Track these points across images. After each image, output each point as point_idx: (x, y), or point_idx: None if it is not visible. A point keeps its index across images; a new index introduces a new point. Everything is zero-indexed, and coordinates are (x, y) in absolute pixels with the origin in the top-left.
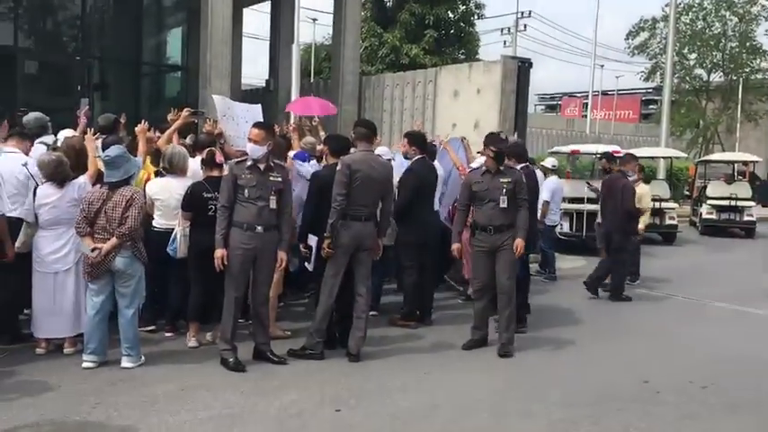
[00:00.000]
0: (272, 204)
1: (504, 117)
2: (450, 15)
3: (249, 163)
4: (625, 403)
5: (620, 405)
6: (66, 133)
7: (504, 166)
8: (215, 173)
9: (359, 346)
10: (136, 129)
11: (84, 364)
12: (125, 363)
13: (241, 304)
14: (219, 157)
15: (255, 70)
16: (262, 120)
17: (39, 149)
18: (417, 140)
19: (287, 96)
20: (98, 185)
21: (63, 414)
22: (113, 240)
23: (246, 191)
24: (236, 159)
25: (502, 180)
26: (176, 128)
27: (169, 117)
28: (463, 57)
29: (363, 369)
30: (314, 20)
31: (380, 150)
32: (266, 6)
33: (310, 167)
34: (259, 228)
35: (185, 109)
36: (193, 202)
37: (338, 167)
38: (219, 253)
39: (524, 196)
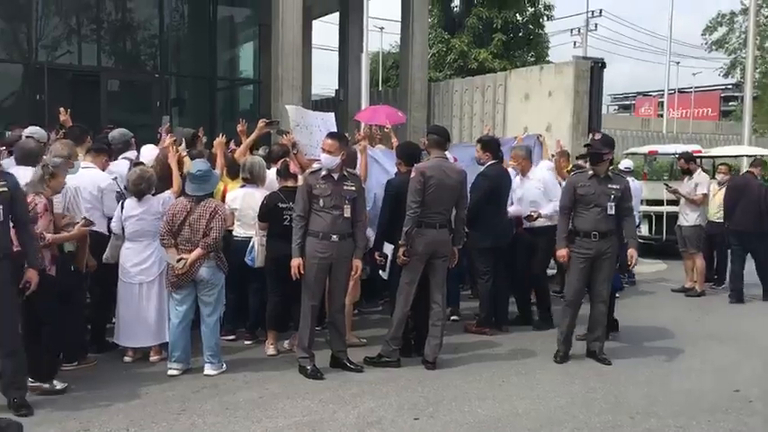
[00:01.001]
0: (347, 213)
1: (578, 119)
2: (519, 18)
3: (323, 173)
4: (715, 413)
5: (710, 415)
6: (148, 149)
7: (611, 171)
8: (290, 183)
9: (435, 354)
10: (214, 142)
11: (170, 372)
12: (208, 370)
13: (317, 312)
14: (294, 168)
15: (325, 80)
16: (335, 128)
17: (122, 165)
18: (489, 146)
19: (356, 106)
20: (181, 198)
21: (151, 420)
22: (198, 251)
23: (321, 200)
24: (311, 169)
25: (610, 186)
26: (253, 139)
27: (238, 128)
28: (533, 59)
29: (440, 377)
30: (381, 29)
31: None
32: (335, 18)
33: None
34: (334, 236)
35: (261, 120)
36: (269, 213)
37: (412, 175)
38: (296, 262)
39: (630, 204)
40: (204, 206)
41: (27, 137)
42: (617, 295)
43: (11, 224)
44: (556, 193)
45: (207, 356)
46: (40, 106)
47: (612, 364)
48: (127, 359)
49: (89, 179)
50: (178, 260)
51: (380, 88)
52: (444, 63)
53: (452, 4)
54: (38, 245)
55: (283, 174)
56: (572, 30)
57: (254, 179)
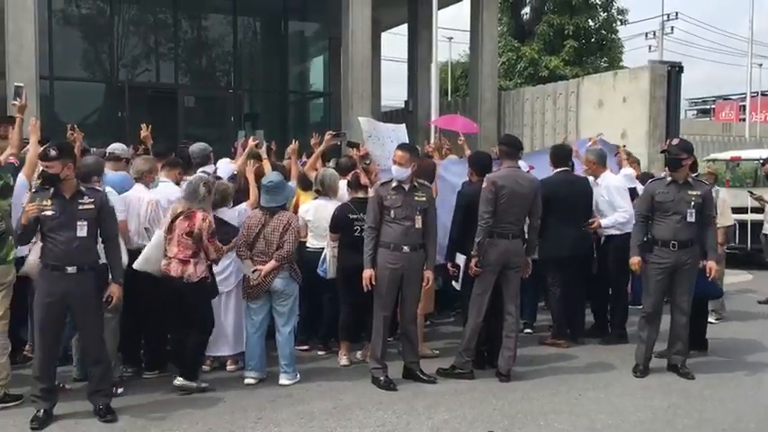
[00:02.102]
0: (418, 224)
1: (655, 125)
2: (591, 24)
3: (394, 184)
4: None
5: None
6: (224, 162)
7: (691, 177)
8: (360, 194)
9: (509, 366)
10: (288, 149)
11: (246, 381)
12: (283, 380)
13: (390, 323)
14: (364, 179)
15: (394, 92)
16: (407, 140)
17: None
18: (555, 154)
19: (426, 116)
20: (256, 210)
21: (229, 428)
22: (272, 263)
23: (392, 211)
24: (382, 181)
25: (690, 192)
26: (321, 151)
27: (312, 142)
28: (606, 65)
29: (514, 389)
30: (450, 38)
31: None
32: (404, 29)
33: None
34: (405, 247)
35: (327, 132)
36: (339, 224)
37: (484, 185)
38: (368, 273)
39: (712, 212)
40: (278, 219)
41: (109, 152)
42: (713, 310)
43: (98, 239)
44: (621, 204)
45: (282, 366)
46: (121, 123)
47: (695, 378)
48: (205, 368)
49: (162, 193)
50: (253, 271)
51: (450, 98)
52: (514, 71)
53: (522, 12)
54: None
55: (354, 185)
56: (647, 33)
57: (326, 191)
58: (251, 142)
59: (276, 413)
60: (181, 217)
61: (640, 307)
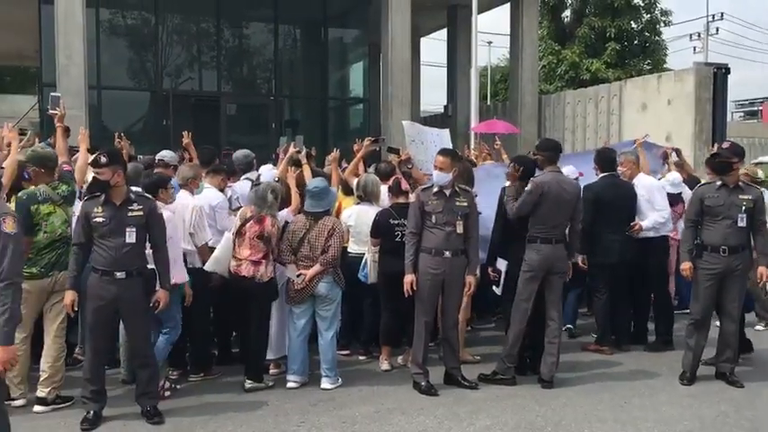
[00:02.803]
0: (459, 229)
1: (700, 128)
2: (634, 26)
3: (435, 189)
4: None
5: None
6: (266, 168)
7: (742, 181)
8: (401, 199)
9: (552, 372)
10: (328, 157)
11: (289, 384)
12: (324, 384)
13: (431, 328)
14: (405, 185)
15: (434, 97)
16: (450, 144)
17: (244, 185)
18: (601, 158)
19: (465, 121)
20: (300, 215)
21: (272, 431)
22: (317, 267)
23: (434, 217)
24: (423, 186)
25: (741, 197)
26: (361, 157)
27: (354, 148)
28: (649, 67)
29: (557, 396)
30: (489, 43)
31: (566, 171)
32: (443, 34)
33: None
34: (447, 253)
35: (366, 138)
36: (381, 229)
37: (528, 188)
38: (409, 278)
39: (764, 217)
40: (323, 224)
41: (158, 159)
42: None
43: (147, 245)
44: (661, 203)
45: (324, 370)
46: (166, 131)
47: (745, 387)
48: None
49: (205, 198)
50: (297, 275)
51: (489, 103)
52: (555, 75)
53: (563, 15)
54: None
55: (395, 190)
56: (691, 35)
57: (368, 196)
58: (291, 149)
59: (318, 417)
60: (251, 221)
61: (684, 311)
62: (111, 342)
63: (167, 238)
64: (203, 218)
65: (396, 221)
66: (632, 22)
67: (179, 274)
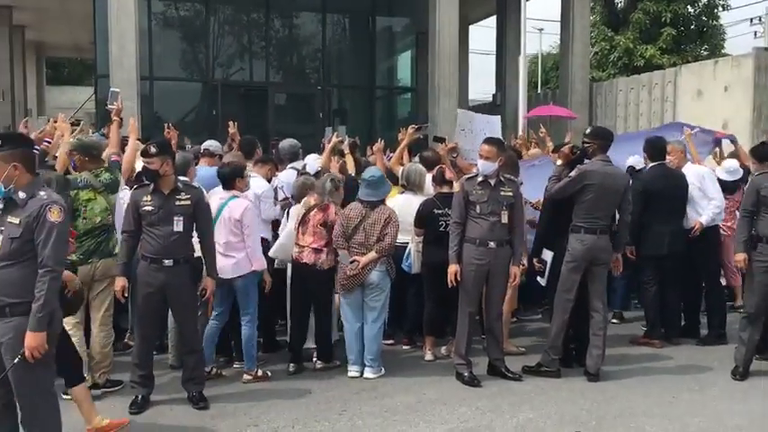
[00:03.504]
0: (504, 219)
1: (759, 114)
2: (690, 10)
3: (480, 179)
4: None
5: None
6: (311, 158)
7: None
8: (445, 189)
9: (597, 365)
10: (373, 148)
11: (350, 374)
12: (368, 373)
13: (475, 319)
14: (449, 174)
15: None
16: (500, 132)
17: (290, 174)
18: (651, 147)
19: (514, 109)
20: (356, 203)
21: (313, 419)
22: (372, 254)
23: (478, 206)
24: (467, 175)
25: None
26: (405, 146)
27: (399, 137)
28: (706, 53)
29: (603, 390)
30: (540, 30)
31: (632, 161)
32: (493, 21)
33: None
34: (491, 243)
35: (410, 126)
36: (424, 219)
37: (571, 174)
38: (453, 269)
39: None
40: (379, 212)
41: (204, 149)
42: None
43: (194, 234)
44: (714, 193)
45: (368, 360)
46: (215, 120)
47: None
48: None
49: (251, 188)
50: (351, 262)
51: (539, 91)
52: (608, 62)
53: (616, 0)
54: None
55: (439, 180)
56: (751, 19)
57: (411, 186)
58: (334, 139)
59: (360, 406)
60: (315, 209)
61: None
62: (159, 329)
63: (246, 226)
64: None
65: (440, 211)
66: (689, 6)
67: (258, 262)
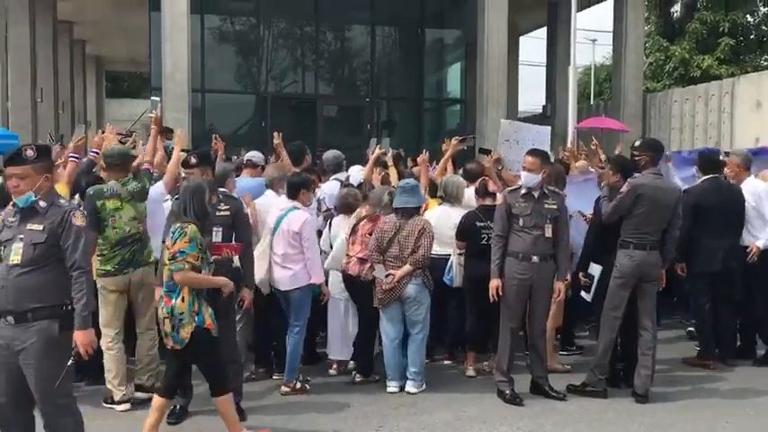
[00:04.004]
0: (548, 233)
1: None
2: (750, 19)
3: (523, 191)
4: None
5: None
6: (355, 169)
7: None
8: (488, 201)
9: (646, 386)
10: (417, 159)
11: (389, 389)
12: (410, 387)
13: (517, 335)
14: (492, 186)
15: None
16: (548, 144)
17: (333, 185)
18: (703, 160)
19: (564, 121)
20: (391, 215)
21: None
22: (407, 267)
23: (521, 219)
24: (510, 188)
25: None
26: (448, 157)
27: (443, 148)
28: (766, 63)
29: (653, 412)
30: (593, 41)
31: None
32: (543, 32)
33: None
34: (535, 257)
35: (454, 138)
36: (467, 232)
37: (622, 189)
38: (494, 283)
39: None
40: (413, 224)
41: (247, 160)
42: None
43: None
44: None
45: (410, 374)
46: (264, 132)
47: None
48: (332, 372)
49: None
50: (386, 275)
51: (592, 102)
52: (663, 72)
53: (672, 10)
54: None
55: (481, 192)
56: None
57: (448, 197)
58: (377, 150)
59: (398, 421)
60: (365, 220)
61: None
62: None
63: (305, 239)
64: None
65: (482, 224)
66: (748, 15)
67: (317, 275)
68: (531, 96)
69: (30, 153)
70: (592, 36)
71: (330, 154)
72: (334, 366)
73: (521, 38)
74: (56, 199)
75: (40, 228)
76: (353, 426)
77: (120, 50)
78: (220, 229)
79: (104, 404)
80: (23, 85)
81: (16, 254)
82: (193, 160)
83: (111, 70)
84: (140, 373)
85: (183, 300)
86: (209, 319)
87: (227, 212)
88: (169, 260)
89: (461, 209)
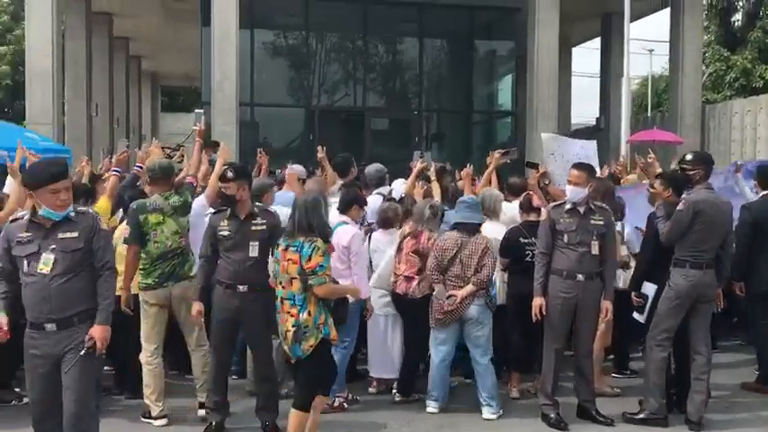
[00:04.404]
0: (594, 250)
1: None
2: None
3: (568, 206)
4: None
5: None
6: (398, 183)
7: None
8: (532, 217)
9: (700, 413)
10: (461, 173)
11: (429, 409)
12: (487, 414)
13: (562, 356)
14: (537, 201)
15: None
16: (595, 158)
17: (376, 199)
18: (762, 174)
19: (617, 133)
20: (453, 232)
21: None
22: (470, 287)
23: (566, 236)
24: (554, 203)
25: None
26: (491, 171)
27: (488, 161)
28: None
29: None
30: (650, 51)
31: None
32: (597, 42)
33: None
34: (580, 276)
35: (496, 151)
36: (510, 248)
37: (679, 207)
38: (537, 302)
39: None
40: (476, 242)
41: (288, 173)
42: None
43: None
44: None
45: (484, 399)
46: (312, 145)
47: None
48: (371, 390)
49: (333, 213)
50: (448, 296)
51: (649, 114)
52: (723, 83)
53: (733, 19)
54: None
55: (526, 207)
56: None
57: (485, 211)
58: (419, 164)
59: None
60: (409, 237)
61: None
62: (232, 355)
63: (353, 254)
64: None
65: (526, 240)
66: None
67: (365, 290)
68: (585, 108)
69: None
70: (649, 46)
71: (372, 168)
72: (374, 384)
73: (573, 49)
74: (77, 207)
75: (75, 235)
76: None
77: (175, 66)
78: (257, 243)
79: (143, 419)
80: (79, 100)
81: (46, 264)
82: (230, 174)
83: (166, 85)
84: (200, 390)
85: (309, 314)
86: (333, 331)
87: (264, 227)
88: (307, 275)
89: (499, 223)
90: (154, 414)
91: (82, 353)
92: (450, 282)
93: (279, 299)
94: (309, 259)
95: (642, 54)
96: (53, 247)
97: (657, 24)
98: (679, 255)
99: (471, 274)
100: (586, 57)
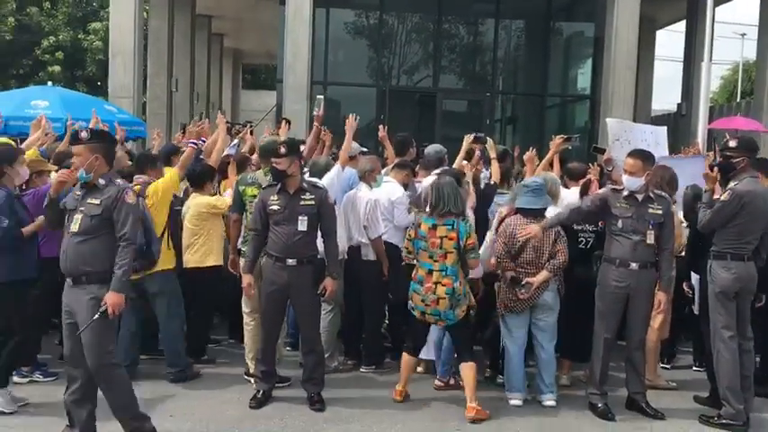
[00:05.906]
0: (650, 239)
1: None
2: None
3: (625, 193)
4: None
5: None
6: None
7: None
8: None
9: (747, 410)
10: (524, 157)
11: (511, 402)
12: (546, 401)
13: (613, 346)
14: (595, 187)
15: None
16: (665, 144)
17: (432, 179)
18: None
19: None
20: (518, 216)
21: None
22: (545, 273)
23: (620, 221)
24: (614, 186)
25: None
26: (551, 156)
27: (551, 144)
28: None
29: None
30: (743, 35)
31: None
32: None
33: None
34: (633, 264)
35: (558, 136)
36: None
37: (724, 198)
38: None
39: None
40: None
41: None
42: None
43: (318, 234)
44: None
45: (546, 385)
46: (382, 125)
47: None
48: (419, 369)
49: (385, 192)
50: (523, 284)
51: (737, 101)
52: None
53: None
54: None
55: (584, 193)
56: None
57: None
58: (465, 141)
59: (476, 427)
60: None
61: None
62: (280, 326)
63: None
64: (377, 211)
65: (579, 227)
66: None
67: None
68: (671, 94)
69: (84, 135)
70: (741, 30)
71: (431, 149)
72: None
73: (658, 32)
74: (114, 179)
75: (97, 202)
76: (430, 426)
77: (257, 44)
78: (306, 217)
79: (245, 376)
80: (160, 76)
81: (76, 223)
82: (282, 150)
83: (248, 63)
84: (249, 360)
85: (460, 283)
86: (473, 299)
87: (312, 202)
88: (468, 251)
89: (557, 208)
90: (251, 371)
91: (96, 317)
92: (521, 268)
93: (424, 271)
94: (469, 236)
95: (735, 38)
96: (82, 209)
97: (750, 6)
98: (719, 246)
99: (545, 260)
100: (672, 39)
